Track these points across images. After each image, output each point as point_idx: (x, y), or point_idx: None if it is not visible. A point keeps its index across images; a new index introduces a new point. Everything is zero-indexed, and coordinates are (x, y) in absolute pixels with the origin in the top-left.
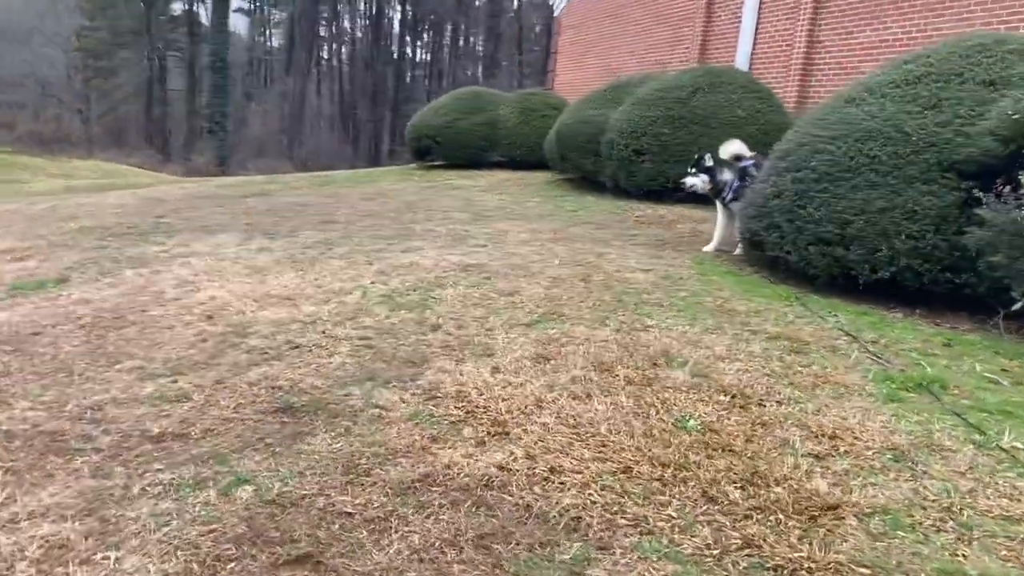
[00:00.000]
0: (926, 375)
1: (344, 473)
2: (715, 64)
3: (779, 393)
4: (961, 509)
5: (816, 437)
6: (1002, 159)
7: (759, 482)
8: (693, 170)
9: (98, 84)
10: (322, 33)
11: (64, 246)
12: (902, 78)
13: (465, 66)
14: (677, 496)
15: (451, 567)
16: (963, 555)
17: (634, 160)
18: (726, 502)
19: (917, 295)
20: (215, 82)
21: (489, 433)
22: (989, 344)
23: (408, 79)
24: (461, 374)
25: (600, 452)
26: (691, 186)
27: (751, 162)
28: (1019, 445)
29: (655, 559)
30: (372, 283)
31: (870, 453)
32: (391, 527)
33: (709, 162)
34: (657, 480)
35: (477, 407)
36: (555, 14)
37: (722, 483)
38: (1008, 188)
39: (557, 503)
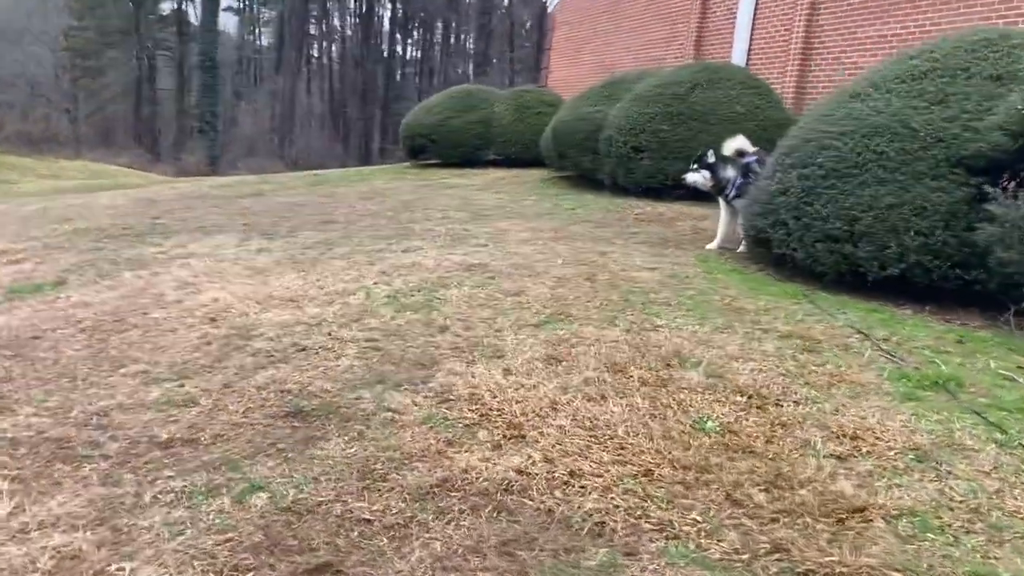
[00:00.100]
0: (942, 373)
1: (360, 479)
2: (711, 60)
3: (795, 393)
4: (989, 510)
5: (837, 437)
6: (1011, 154)
7: (783, 484)
8: (695, 166)
9: (86, 84)
10: (312, 31)
11: (59, 248)
12: (907, 73)
13: (456, 64)
14: (701, 499)
15: (476, 575)
16: (995, 557)
17: (633, 157)
18: (751, 505)
19: (926, 292)
20: (205, 81)
21: (505, 436)
22: (1001, 341)
23: (399, 77)
24: (473, 376)
25: (619, 455)
26: (692, 182)
27: (754, 158)
28: None
29: (683, 564)
30: (375, 284)
31: (892, 453)
32: (411, 534)
33: (711, 158)
34: (679, 483)
35: (491, 410)
36: (549, 10)
37: (746, 486)
38: (1014, 184)
39: (579, 507)
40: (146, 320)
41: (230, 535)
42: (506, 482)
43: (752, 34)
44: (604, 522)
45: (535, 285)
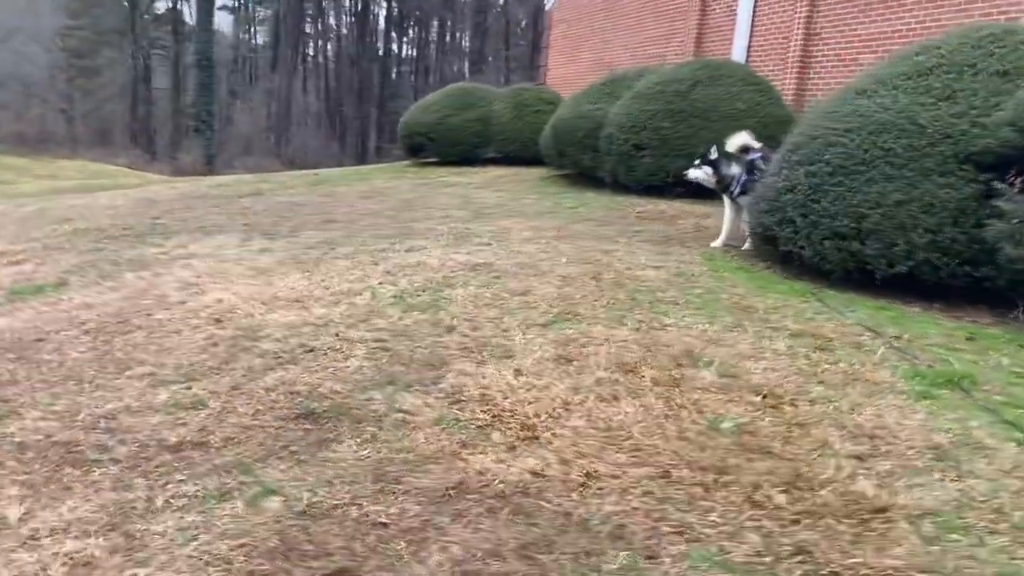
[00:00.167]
0: (955, 371)
1: (374, 481)
2: (712, 57)
3: (810, 392)
4: (1012, 510)
5: (855, 437)
6: (1020, 150)
7: (803, 485)
8: (697, 162)
9: (82, 84)
10: (307, 30)
11: (59, 249)
12: (913, 69)
13: (451, 62)
14: (720, 501)
15: None
16: (1021, 558)
17: (633, 155)
18: (772, 507)
19: (934, 289)
20: (201, 81)
21: (519, 438)
22: (1012, 338)
23: (394, 75)
24: (483, 377)
25: (635, 456)
26: (694, 178)
27: (759, 155)
28: None
29: (705, 568)
30: (380, 284)
31: (912, 453)
32: (429, 538)
33: (713, 154)
34: (698, 485)
35: (503, 411)
36: (547, 8)
37: (765, 487)
38: (1022, 180)
39: (598, 510)
40: (150, 321)
41: (245, 540)
42: (522, 484)
43: (752, 31)
44: (623, 525)
45: (541, 284)
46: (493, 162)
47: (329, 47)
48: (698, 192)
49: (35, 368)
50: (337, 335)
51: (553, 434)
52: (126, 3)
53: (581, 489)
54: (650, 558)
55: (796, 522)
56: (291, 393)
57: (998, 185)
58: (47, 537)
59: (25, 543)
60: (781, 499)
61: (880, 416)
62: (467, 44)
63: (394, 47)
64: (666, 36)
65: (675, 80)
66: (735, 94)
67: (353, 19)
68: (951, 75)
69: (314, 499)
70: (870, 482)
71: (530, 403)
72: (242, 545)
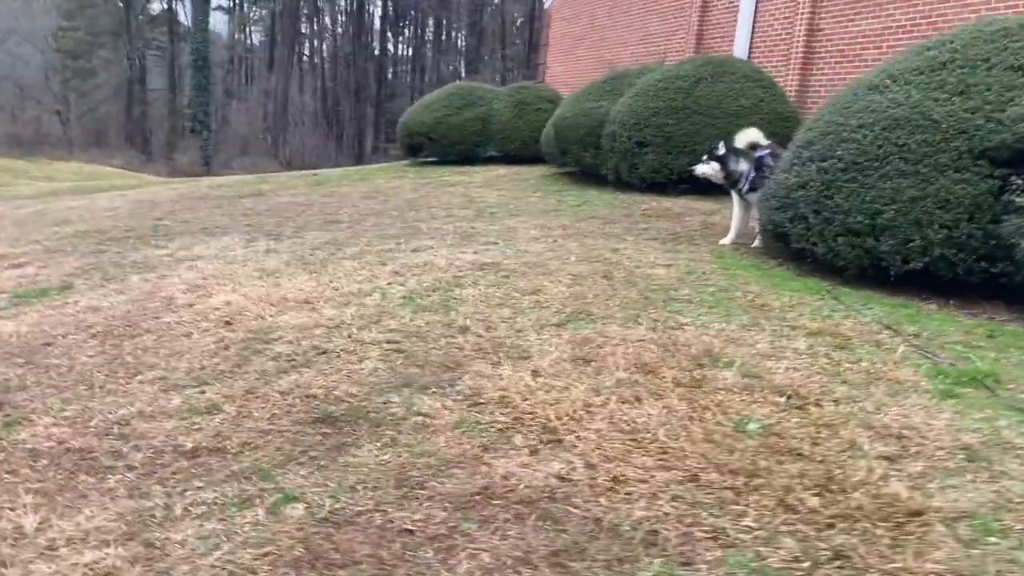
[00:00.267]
0: (978, 369)
1: (397, 487)
2: (713, 54)
3: (834, 392)
4: None
5: (883, 438)
6: None
7: (835, 488)
8: (705, 157)
9: (77, 85)
10: (303, 30)
11: (61, 251)
12: (926, 64)
13: (448, 61)
14: (753, 505)
15: None
16: None
17: (637, 152)
18: (805, 510)
19: (950, 285)
20: (198, 81)
21: (541, 441)
22: None
23: (390, 75)
24: (501, 378)
25: (662, 459)
26: (701, 173)
27: (767, 152)
28: None
29: (743, 574)
30: (389, 284)
31: (942, 453)
32: (457, 545)
33: (721, 150)
34: (728, 488)
35: (524, 413)
36: (546, 6)
37: (797, 490)
38: None
39: (628, 515)
40: (159, 324)
41: (268, 549)
42: (549, 489)
43: (754, 27)
44: (656, 530)
45: (551, 283)
46: (493, 161)
47: (325, 47)
48: (702, 189)
49: (44, 373)
50: (349, 337)
51: (576, 437)
52: (121, 4)
53: (609, 493)
54: (685, 564)
55: (831, 526)
56: (307, 396)
57: (1016, 180)
58: (65, 547)
59: (43, 554)
60: (814, 502)
61: (907, 416)
62: (463, 43)
63: (390, 46)
64: (667, 33)
65: (678, 77)
66: (738, 91)
67: (345, 18)
68: (965, 70)
69: (336, 505)
70: (903, 484)
71: (550, 405)
72: (266, 554)
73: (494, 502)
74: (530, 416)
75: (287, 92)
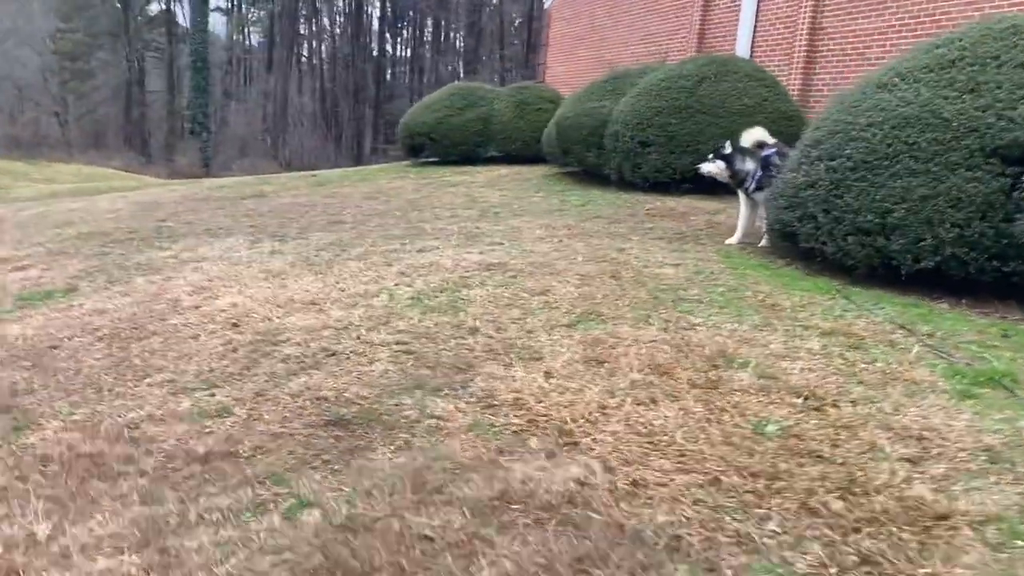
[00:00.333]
0: (995, 369)
1: (414, 492)
2: (716, 53)
3: (851, 392)
4: None
5: (903, 439)
6: None
7: (858, 491)
8: (711, 156)
9: (75, 86)
10: (302, 31)
11: (64, 254)
12: (935, 62)
13: (446, 62)
14: (776, 509)
15: None
16: None
17: (640, 152)
18: (829, 514)
19: (962, 284)
20: (196, 83)
21: (557, 444)
22: None
23: (389, 76)
24: (514, 379)
25: (681, 462)
26: (707, 172)
27: (773, 151)
28: None
29: None
30: (396, 285)
31: (964, 455)
32: (477, 551)
33: (727, 149)
34: (750, 492)
35: (538, 415)
36: (546, 6)
37: (820, 493)
38: None
39: (650, 520)
40: (165, 327)
41: (286, 555)
42: (568, 493)
43: (756, 25)
44: (679, 536)
45: (560, 284)
46: (494, 161)
47: (323, 48)
48: (706, 188)
49: (51, 376)
50: (358, 338)
51: (593, 440)
52: (119, 5)
53: (629, 498)
54: (710, 570)
55: (857, 530)
56: (318, 399)
57: None
58: (78, 554)
59: (56, 562)
60: (838, 506)
61: (926, 417)
62: (461, 44)
63: (388, 47)
64: (668, 32)
65: (681, 76)
66: (742, 90)
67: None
68: (975, 68)
69: (353, 511)
70: (926, 487)
71: (565, 407)
72: (284, 561)
73: (513, 507)
74: (545, 418)
75: (286, 93)
